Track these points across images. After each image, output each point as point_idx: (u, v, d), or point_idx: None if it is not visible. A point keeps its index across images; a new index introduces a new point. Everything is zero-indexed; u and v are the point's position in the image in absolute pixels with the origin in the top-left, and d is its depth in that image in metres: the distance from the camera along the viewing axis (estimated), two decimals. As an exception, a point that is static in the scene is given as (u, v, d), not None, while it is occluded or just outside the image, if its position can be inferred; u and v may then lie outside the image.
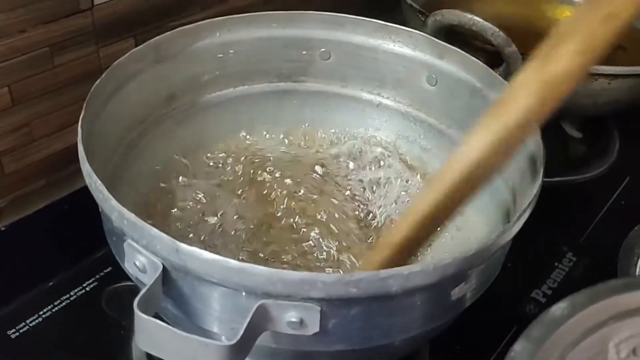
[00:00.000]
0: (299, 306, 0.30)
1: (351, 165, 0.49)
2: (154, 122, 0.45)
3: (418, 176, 0.48)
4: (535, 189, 0.35)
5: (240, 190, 0.47)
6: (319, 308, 0.30)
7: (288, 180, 0.47)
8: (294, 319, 0.30)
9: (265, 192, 0.47)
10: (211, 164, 0.48)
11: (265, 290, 0.29)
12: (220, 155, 0.48)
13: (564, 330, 0.28)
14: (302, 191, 0.47)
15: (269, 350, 0.34)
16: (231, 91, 0.48)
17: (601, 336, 0.29)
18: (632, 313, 0.29)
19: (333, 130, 0.51)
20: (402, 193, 0.47)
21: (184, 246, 0.29)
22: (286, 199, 0.46)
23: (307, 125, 0.51)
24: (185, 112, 0.47)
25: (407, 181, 0.48)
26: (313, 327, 0.31)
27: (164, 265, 0.30)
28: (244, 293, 0.30)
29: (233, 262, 0.29)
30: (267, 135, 0.50)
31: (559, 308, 0.29)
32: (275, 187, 0.47)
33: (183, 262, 0.29)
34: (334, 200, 0.47)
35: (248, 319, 0.28)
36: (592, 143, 0.68)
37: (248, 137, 0.50)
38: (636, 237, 0.49)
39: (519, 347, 0.28)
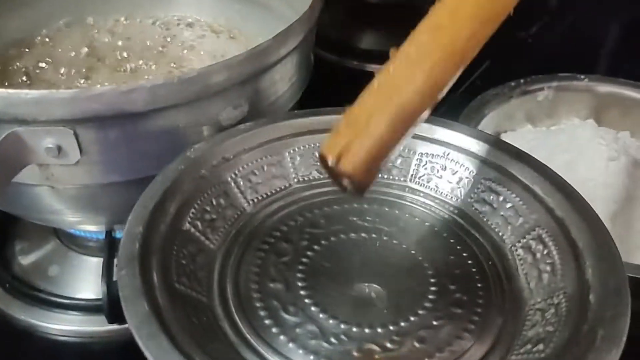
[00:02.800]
0: (52, 131, 0.30)
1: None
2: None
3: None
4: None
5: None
6: (72, 131, 0.30)
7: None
8: (50, 145, 0.30)
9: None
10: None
11: (11, 115, 0.29)
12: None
13: (242, 139, 0.32)
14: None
15: (49, 193, 0.34)
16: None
17: (279, 145, 0.33)
18: (307, 133, 0.33)
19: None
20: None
21: None
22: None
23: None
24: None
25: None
26: (74, 153, 0.31)
27: None
28: (-7, 122, 0.30)
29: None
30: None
31: (244, 126, 0.33)
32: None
33: None
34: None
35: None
36: None
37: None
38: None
39: (197, 145, 0.31)
